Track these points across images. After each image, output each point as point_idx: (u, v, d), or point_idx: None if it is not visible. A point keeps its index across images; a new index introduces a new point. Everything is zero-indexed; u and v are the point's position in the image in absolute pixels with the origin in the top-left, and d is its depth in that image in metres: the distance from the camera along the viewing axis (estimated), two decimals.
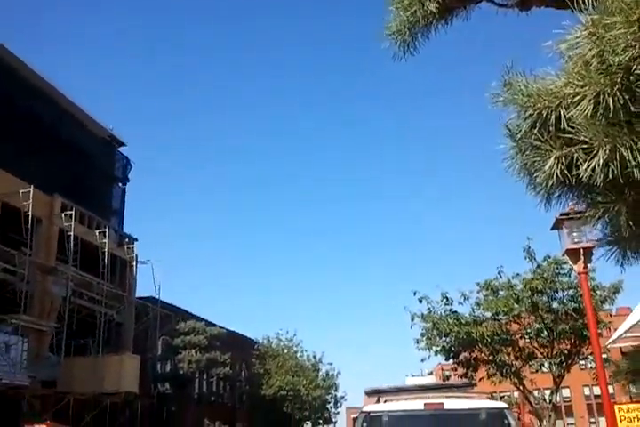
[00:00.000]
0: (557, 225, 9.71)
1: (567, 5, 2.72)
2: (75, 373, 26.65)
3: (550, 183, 2.72)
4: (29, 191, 25.90)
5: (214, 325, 38.99)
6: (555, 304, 19.89)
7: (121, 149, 37.81)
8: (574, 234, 9.48)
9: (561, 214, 9.28)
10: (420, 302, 21.05)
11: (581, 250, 9.34)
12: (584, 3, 2.37)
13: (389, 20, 3.65)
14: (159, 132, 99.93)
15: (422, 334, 21.06)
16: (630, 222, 2.66)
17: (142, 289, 43.64)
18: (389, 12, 3.65)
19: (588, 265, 9.90)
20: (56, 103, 31.36)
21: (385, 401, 8.26)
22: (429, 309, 21.04)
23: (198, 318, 38.89)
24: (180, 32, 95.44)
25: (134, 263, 35.19)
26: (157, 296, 36.04)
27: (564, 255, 10.36)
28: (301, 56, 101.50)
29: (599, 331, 18.04)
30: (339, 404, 49.78)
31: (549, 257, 19.81)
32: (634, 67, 2.19)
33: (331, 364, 49.22)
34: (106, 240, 31.20)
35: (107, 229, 31.72)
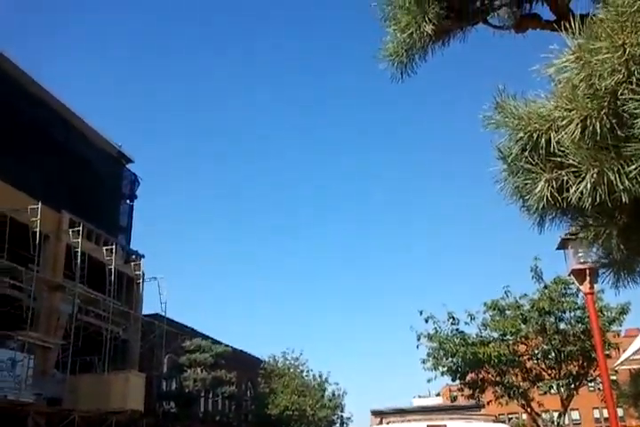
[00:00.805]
0: (563, 245, 9.66)
1: (559, 28, 2.73)
2: (80, 390, 26.54)
3: (541, 206, 2.71)
4: (37, 207, 26.05)
5: (220, 343, 38.81)
6: (562, 325, 19.73)
7: (129, 165, 38.05)
8: (580, 254, 9.42)
9: (566, 234, 9.24)
10: (427, 321, 20.95)
11: (587, 270, 9.28)
12: (572, 27, 2.37)
13: (386, 42, 3.67)
14: (169, 148, 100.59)
15: (428, 354, 20.92)
16: (621, 246, 2.64)
17: (148, 306, 43.61)
18: (386, 34, 3.67)
19: (595, 286, 9.83)
20: (66, 119, 31.64)
21: (388, 422, 8.18)
22: (435, 328, 20.92)
23: (204, 336, 38.74)
24: (194, 52, 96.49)
25: (141, 280, 35.21)
26: (163, 314, 36.00)
27: (569, 276, 10.29)
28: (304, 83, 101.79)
29: (607, 352, 17.84)
30: (345, 425, 49.26)
31: (559, 278, 19.67)
32: (620, 91, 2.19)
33: (337, 384, 48.82)
34: (113, 257, 31.26)
35: (114, 246, 31.80)
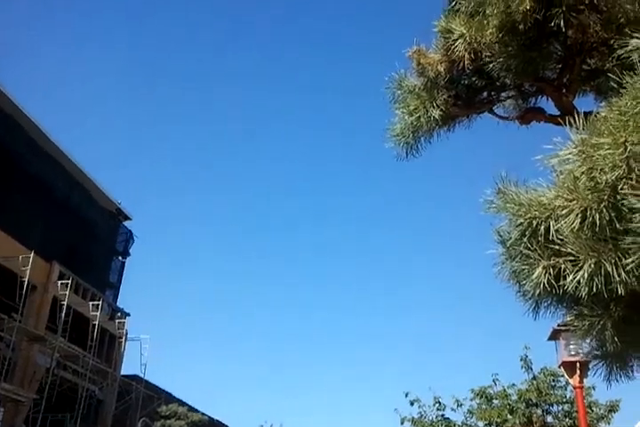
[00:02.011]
0: (554, 336, 9.57)
1: (563, 122, 2.86)
2: None
3: (538, 292, 2.74)
4: (29, 257, 25.92)
5: (197, 410, 37.59)
6: (549, 418, 19.21)
7: (127, 222, 38.23)
8: (571, 346, 9.33)
9: (558, 325, 9.18)
10: (412, 404, 20.40)
11: (578, 364, 9.16)
12: (576, 122, 2.48)
13: (394, 123, 3.81)
14: (168, 204, 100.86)
15: None
16: (615, 338, 2.64)
17: (128, 366, 42.50)
18: (394, 115, 3.83)
19: (585, 380, 9.67)
20: (67, 172, 32.05)
21: None
22: (420, 413, 20.33)
23: (181, 402, 37.56)
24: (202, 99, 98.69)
25: (123, 339, 34.54)
26: (142, 375, 35.07)
27: (560, 367, 10.14)
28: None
29: None
30: None
31: (547, 369, 19.37)
32: (620, 186, 2.27)
33: None
34: (98, 313, 30.79)
35: (100, 302, 31.39)
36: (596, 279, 2.37)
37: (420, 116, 3.75)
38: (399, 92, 4.37)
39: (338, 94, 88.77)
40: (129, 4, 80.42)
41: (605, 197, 2.32)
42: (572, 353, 9.24)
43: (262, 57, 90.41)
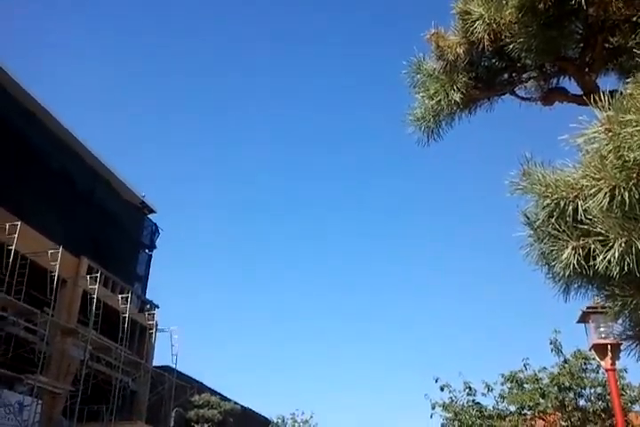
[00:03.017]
0: (584, 319, 9.47)
1: (586, 102, 2.81)
2: None
3: (568, 273, 2.71)
4: (58, 252, 26.32)
5: (229, 400, 38.03)
6: (582, 402, 19.07)
7: (151, 215, 38.60)
8: (601, 329, 9.23)
9: (588, 308, 9.08)
10: (442, 390, 20.39)
11: (609, 346, 9.05)
12: (601, 100, 2.44)
13: (414, 107, 3.78)
14: (195, 196, 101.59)
15: (443, 425, 20.26)
16: None
17: (159, 357, 43.07)
18: (414, 100, 3.79)
19: (618, 362, 9.56)
20: (92, 167, 32.43)
21: None
22: (451, 398, 20.33)
23: (213, 392, 38.04)
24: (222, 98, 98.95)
25: (154, 330, 34.99)
26: (174, 366, 35.53)
27: (590, 350, 10.04)
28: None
29: None
30: None
31: (579, 352, 19.18)
32: None
33: None
34: (128, 305, 31.24)
35: (130, 295, 31.83)
36: (628, 258, 2.33)
37: (440, 100, 3.72)
38: (418, 76, 4.32)
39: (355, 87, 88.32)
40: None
41: (634, 175, 2.29)
42: (603, 336, 9.14)
43: (281, 50, 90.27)
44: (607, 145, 2.31)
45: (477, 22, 4.00)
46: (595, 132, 2.36)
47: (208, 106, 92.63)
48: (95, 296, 28.60)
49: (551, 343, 19.27)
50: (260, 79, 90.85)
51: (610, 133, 2.29)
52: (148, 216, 38.51)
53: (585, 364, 18.96)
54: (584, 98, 2.73)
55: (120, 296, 31.43)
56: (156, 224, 38.70)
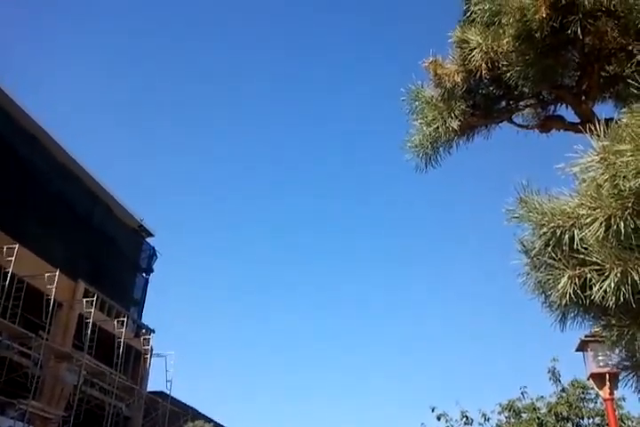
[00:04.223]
0: (582, 347, 9.40)
1: (583, 130, 2.82)
2: None
3: (564, 302, 2.69)
4: (55, 275, 26.19)
5: None
6: None
7: (149, 238, 38.54)
8: (600, 358, 9.14)
9: (586, 336, 9.02)
10: (439, 419, 20.14)
11: (607, 375, 8.97)
12: (597, 129, 2.45)
13: (412, 134, 3.80)
14: (192, 221, 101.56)
15: None
16: None
17: (153, 382, 42.57)
18: (412, 126, 3.81)
19: (616, 392, 9.46)
20: (90, 190, 32.49)
21: None
22: None
23: (208, 419, 37.49)
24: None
25: (149, 355, 34.65)
26: (168, 392, 35.10)
27: (589, 379, 9.95)
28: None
29: None
30: None
31: (577, 381, 19.01)
32: None
33: None
34: (123, 330, 30.97)
35: (125, 319, 31.59)
36: (623, 288, 2.32)
37: (438, 127, 3.74)
38: (416, 103, 4.36)
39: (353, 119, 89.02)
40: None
41: (630, 205, 2.28)
42: (601, 364, 9.05)
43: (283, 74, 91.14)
44: (603, 174, 2.32)
45: (475, 51, 4.05)
46: (590, 161, 2.37)
47: (220, 125, 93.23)
48: (91, 320, 28.38)
49: (549, 372, 19.12)
50: (256, 108, 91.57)
51: (605, 163, 2.30)
52: (146, 239, 38.43)
53: (583, 393, 18.78)
54: (580, 127, 2.75)
55: (116, 320, 31.18)
56: (153, 248, 38.61)
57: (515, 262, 2.98)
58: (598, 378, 9.10)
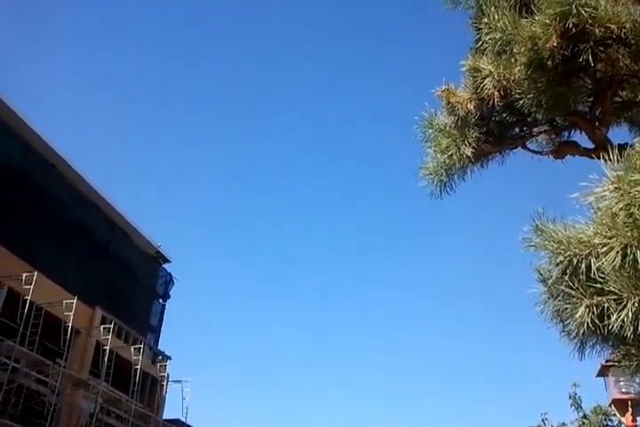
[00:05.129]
0: (603, 372, 9.25)
1: (598, 156, 2.83)
2: None
3: (582, 331, 2.67)
4: (73, 302, 26.29)
5: None
6: None
7: (166, 265, 38.65)
8: (622, 383, 8.98)
9: (607, 361, 8.88)
10: None
11: (629, 402, 8.80)
12: (610, 157, 2.46)
13: (426, 162, 3.83)
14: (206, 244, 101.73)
15: None
16: None
17: (169, 408, 42.20)
18: (426, 154, 3.85)
19: (638, 418, 9.28)
20: (107, 216, 32.75)
21: None
22: None
23: None
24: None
25: (165, 382, 34.48)
26: (184, 420, 34.80)
27: (610, 406, 9.77)
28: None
29: None
30: None
31: (600, 407, 18.63)
32: None
33: None
34: (140, 357, 30.89)
35: (142, 346, 31.53)
36: None
37: (452, 155, 3.77)
38: (430, 130, 4.39)
39: (369, 134, 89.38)
40: None
41: None
42: (623, 390, 8.89)
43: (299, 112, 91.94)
44: (617, 203, 2.32)
45: (487, 79, 4.09)
46: (605, 191, 2.37)
47: (233, 144, 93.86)
48: (108, 347, 28.37)
49: (570, 398, 18.76)
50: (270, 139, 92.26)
51: (620, 192, 2.30)
52: (163, 266, 38.56)
53: (605, 419, 18.39)
54: (594, 154, 2.76)
55: (132, 347, 31.14)
56: (170, 274, 38.70)
57: (532, 291, 2.97)
58: (620, 404, 8.93)
